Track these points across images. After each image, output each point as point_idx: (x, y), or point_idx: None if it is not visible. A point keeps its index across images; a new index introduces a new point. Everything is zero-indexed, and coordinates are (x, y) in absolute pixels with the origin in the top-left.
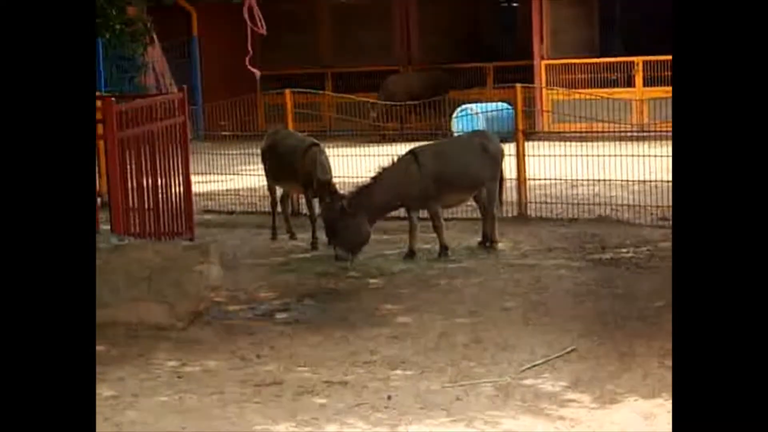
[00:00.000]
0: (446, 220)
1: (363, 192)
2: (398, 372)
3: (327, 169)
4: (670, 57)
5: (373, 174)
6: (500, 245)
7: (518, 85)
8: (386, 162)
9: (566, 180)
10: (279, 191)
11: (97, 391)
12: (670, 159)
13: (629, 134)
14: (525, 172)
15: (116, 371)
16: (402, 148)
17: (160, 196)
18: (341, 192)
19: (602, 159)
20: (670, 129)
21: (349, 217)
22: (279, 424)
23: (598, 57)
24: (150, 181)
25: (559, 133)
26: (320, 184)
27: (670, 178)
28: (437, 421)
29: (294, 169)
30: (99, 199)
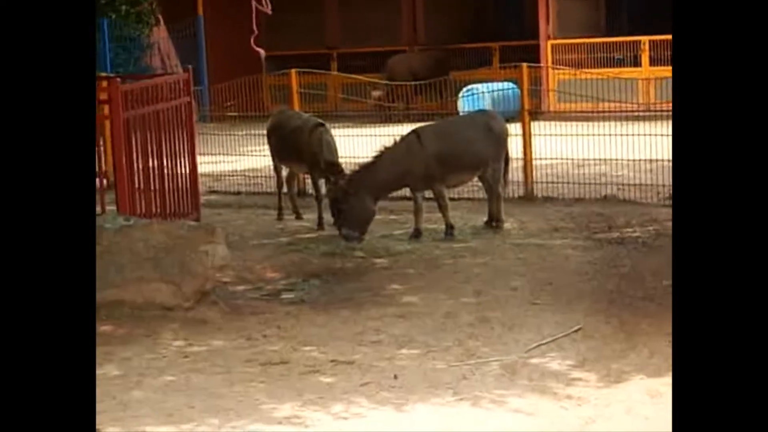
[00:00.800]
0: (452, 200)
1: (365, 171)
2: (404, 351)
3: (333, 149)
4: None
5: (375, 153)
6: (506, 225)
7: (524, 65)
8: (390, 142)
9: (572, 160)
10: (285, 171)
11: (104, 370)
12: None
13: (635, 114)
14: (531, 151)
15: (123, 351)
16: (407, 129)
17: (165, 176)
18: (346, 172)
19: (608, 138)
20: None
21: (351, 196)
22: (285, 404)
23: (604, 36)
24: (156, 161)
25: (565, 112)
26: (327, 165)
27: None
28: (443, 399)
29: (299, 149)
30: (105, 180)
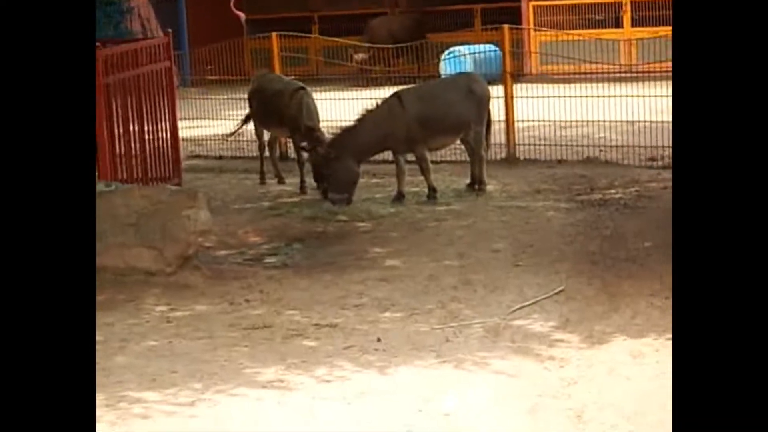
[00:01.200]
0: (434, 162)
1: (347, 134)
2: (387, 314)
3: (314, 113)
4: None
5: (357, 116)
6: (489, 187)
7: (506, 27)
8: (371, 105)
9: (554, 122)
10: (267, 135)
11: None
12: (658, 99)
13: (617, 75)
14: (513, 114)
15: (105, 317)
16: (389, 92)
17: (146, 141)
18: (326, 137)
19: (590, 100)
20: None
21: (333, 160)
22: (269, 367)
23: None
24: (136, 126)
25: (547, 74)
26: (306, 129)
27: (658, 119)
28: (427, 362)
29: (280, 113)
30: None
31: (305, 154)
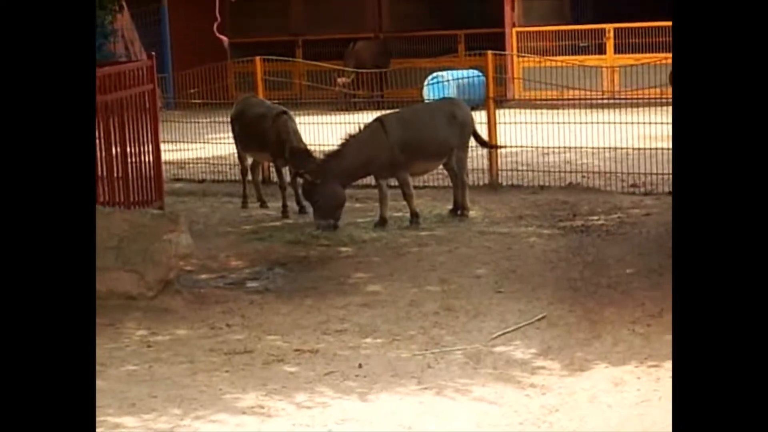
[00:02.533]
0: (417, 187)
1: (331, 159)
2: (369, 340)
3: (299, 137)
4: (640, 24)
5: (341, 141)
6: (471, 213)
7: (489, 53)
8: (354, 129)
9: (537, 147)
10: (249, 159)
11: None
12: (641, 126)
13: (600, 101)
14: (496, 139)
15: None
16: (373, 116)
17: (129, 164)
18: (315, 158)
19: (573, 126)
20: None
21: (320, 186)
22: (249, 393)
23: (569, 24)
24: (119, 149)
25: (530, 100)
26: (295, 152)
27: (641, 145)
28: (408, 388)
29: (263, 137)
30: None
31: (287, 178)
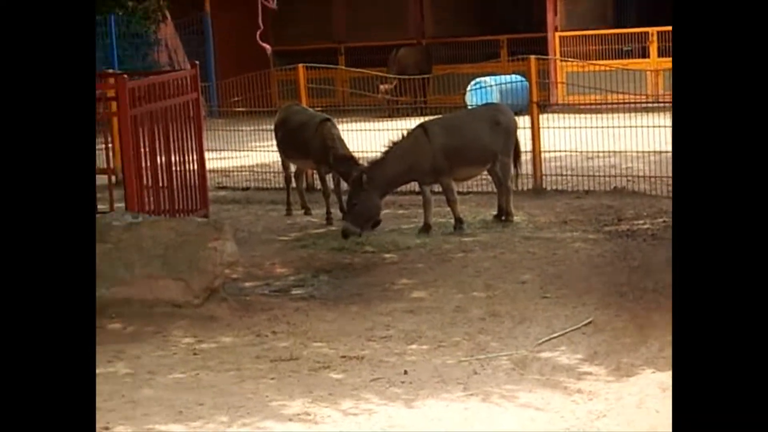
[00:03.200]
0: (461, 193)
1: (374, 166)
2: (414, 347)
3: (344, 144)
4: None
5: (384, 148)
6: (516, 218)
7: (532, 57)
8: (397, 136)
9: (581, 152)
10: (293, 167)
11: (114, 368)
12: None
13: (644, 105)
14: (540, 144)
15: (132, 349)
16: (416, 123)
17: (174, 173)
18: (360, 164)
19: (617, 130)
20: None
21: (362, 191)
22: (295, 400)
23: (612, 28)
24: (164, 158)
25: (573, 104)
26: (340, 159)
27: None
28: (453, 395)
29: (306, 144)
30: (113, 177)
31: (330, 185)
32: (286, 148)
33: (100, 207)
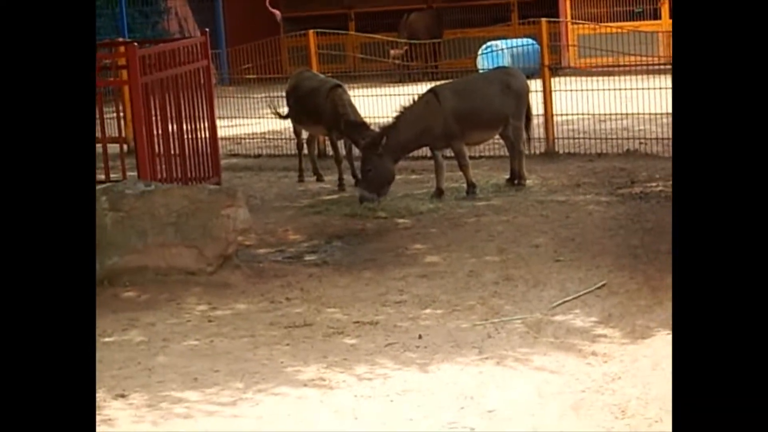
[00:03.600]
0: (474, 158)
1: (386, 132)
2: (428, 311)
3: (355, 109)
4: None
5: (395, 114)
6: (528, 182)
7: (543, 20)
8: (408, 101)
9: (594, 115)
10: (305, 133)
11: (129, 336)
12: None
13: (656, 67)
14: (552, 108)
15: (147, 316)
16: (427, 87)
17: (185, 140)
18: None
19: (629, 93)
20: None
21: (375, 157)
22: (310, 365)
23: None
24: (175, 126)
25: (585, 68)
26: (351, 125)
27: None
28: (468, 359)
29: (317, 111)
30: (125, 146)
31: (342, 152)
32: (298, 114)
33: (112, 176)
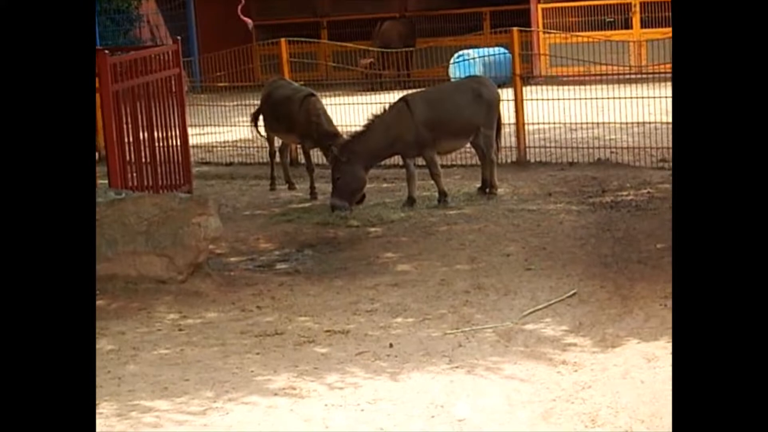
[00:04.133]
0: (445, 166)
1: (356, 139)
2: (399, 320)
3: (328, 118)
4: None
5: (366, 122)
6: (500, 191)
7: (515, 30)
8: (380, 109)
9: (565, 124)
10: (277, 141)
11: (99, 345)
12: (669, 100)
13: (628, 76)
14: (523, 116)
15: (117, 325)
16: (398, 96)
17: (157, 148)
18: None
19: (601, 102)
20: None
21: (343, 165)
22: (280, 374)
23: None
24: (147, 134)
25: (557, 77)
26: (325, 134)
27: (670, 120)
28: (439, 367)
29: (290, 119)
30: (96, 154)
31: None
32: (271, 122)
33: None
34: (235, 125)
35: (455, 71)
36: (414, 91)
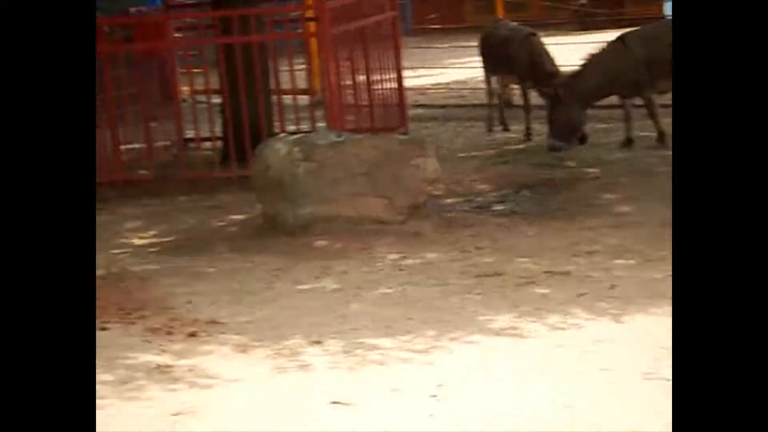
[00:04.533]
0: (664, 106)
1: (573, 79)
2: (620, 261)
3: (551, 59)
4: None
5: (582, 61)
6: None
7: None
8: (595, 49)
9: None
10: (494, 83)
11: (323, 284)
12: None
13: None
14: None
15: (339, 265)
16: (613, 35)
17: (373, 91)
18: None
19: None
20: None
21: (560, 105)
22: (502, 315)
23: None
24: (363, 77)
25: None
26: (547, 75)
27: None
28: (662, 309)
29: (511, 59)
30: (314, 97)
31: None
32: (491, 63)
33: (302, 127)
34: (447, 67)
35: (670, 9)
36: (630, 29)
